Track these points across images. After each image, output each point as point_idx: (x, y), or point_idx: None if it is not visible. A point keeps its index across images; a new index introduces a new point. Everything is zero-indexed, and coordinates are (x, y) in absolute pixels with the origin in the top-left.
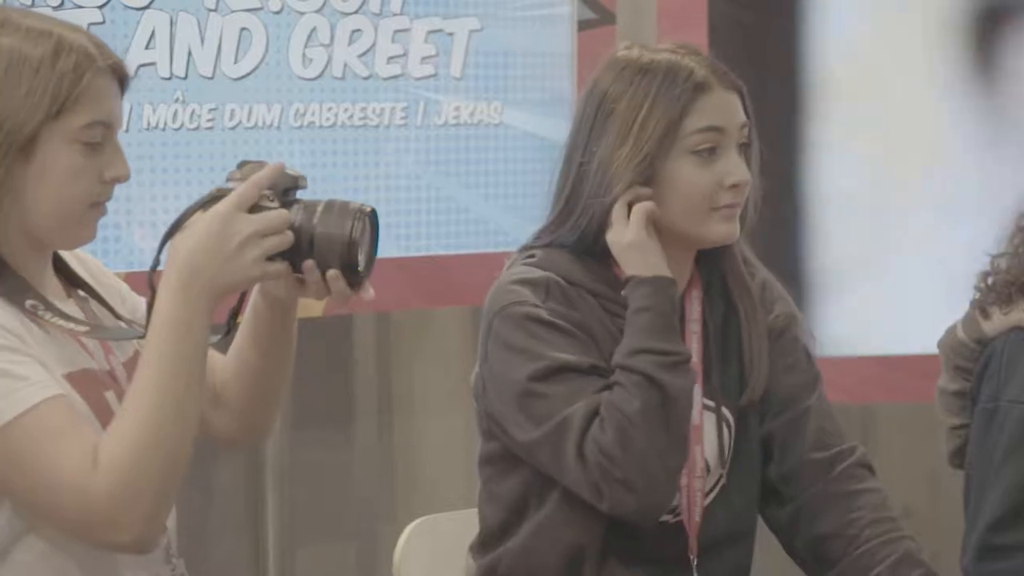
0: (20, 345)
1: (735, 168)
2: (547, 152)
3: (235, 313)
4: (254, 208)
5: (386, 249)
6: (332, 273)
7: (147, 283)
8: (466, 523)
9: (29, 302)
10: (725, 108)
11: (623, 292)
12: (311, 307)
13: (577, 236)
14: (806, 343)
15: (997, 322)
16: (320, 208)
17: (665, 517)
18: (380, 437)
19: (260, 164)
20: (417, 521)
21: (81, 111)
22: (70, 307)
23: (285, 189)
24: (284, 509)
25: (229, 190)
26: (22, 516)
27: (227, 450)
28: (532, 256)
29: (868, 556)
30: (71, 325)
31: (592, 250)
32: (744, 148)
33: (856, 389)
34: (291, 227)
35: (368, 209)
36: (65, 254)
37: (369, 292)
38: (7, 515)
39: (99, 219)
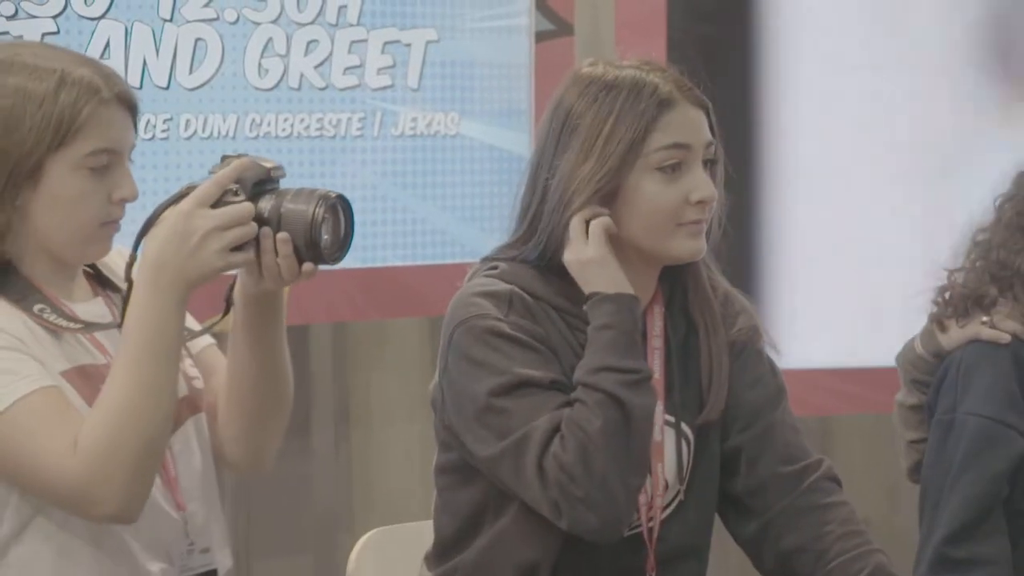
0: (19, 344)
1: (701, 184)
2: (504, 163)
3: (229, 291)
4: (217, 203)
5: (343, 260)
6: (282, 236)
7: (124, 276)
8: (421, 534)
9: (37, 306)
10: (691, 125)
11: (584, 307)
12: None
13: (539, 252)
14: (769, 356)
15: (954, 335)
16: (290, 194)
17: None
18: (337, 448)
19: (241, 158)
20: (372, 532)
21: (84, 139)
22: (97, 305)
23: (258, 180)
24: (240, 520)
25: (194, 187)
26: (29, 501)
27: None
28: (495, 268)
29: (839, 570)
30: (68, 324)
31: (553, 265)
32: (710, 164)
33: (814, 401)
34: (259, 216)
35: (334, 194)
36: None
37: (311, 268)
38: (16, 500)
39: (112, 235)
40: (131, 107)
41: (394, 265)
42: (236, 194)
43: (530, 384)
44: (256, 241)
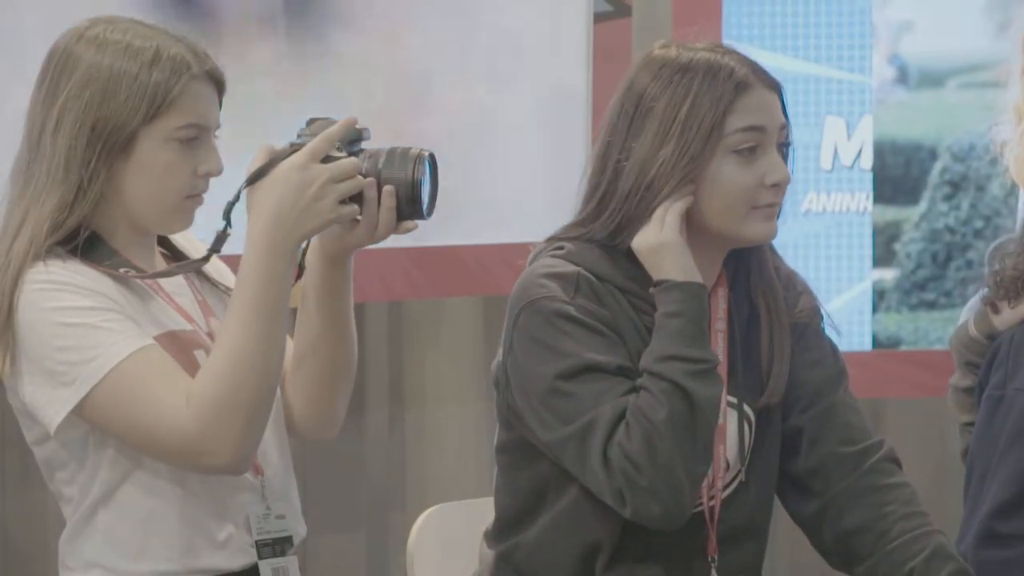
0: (114, 306)
1: (776, 167)
2: (558, 143)
3: (301, 256)
4: (325, 159)
5: (398, 239)
6: (388, 189)
7: (223, 215)
8: (478, 512)
9: (122, 269)
10: (766, 107)
11: (652, 291)
12: None
13: (608, 233)
14: (829, 337)
15: (1007, 316)
16: (384, 155)
17: None
18: (391, 427)
19: (328, 120)
20: (431, 509)
21: (175, 114)
22: (174, 278)
23: (350, 141)
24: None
25: (302, 144)
26: (126, 454)
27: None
28: (560, 248)
29: (900, 551)
30: (147, 275)
31: (620, 246)
32: (783, 147)
33: (865, 383)
34: (360, 173)
35: (427, 153)
36: None
37: (412, 225)
38: (112, 454)
39: (195, 208)
40: (219, 84)
41: (451, 244)
42: (339, 150)
43: (596, 369)
44: (359, 196)
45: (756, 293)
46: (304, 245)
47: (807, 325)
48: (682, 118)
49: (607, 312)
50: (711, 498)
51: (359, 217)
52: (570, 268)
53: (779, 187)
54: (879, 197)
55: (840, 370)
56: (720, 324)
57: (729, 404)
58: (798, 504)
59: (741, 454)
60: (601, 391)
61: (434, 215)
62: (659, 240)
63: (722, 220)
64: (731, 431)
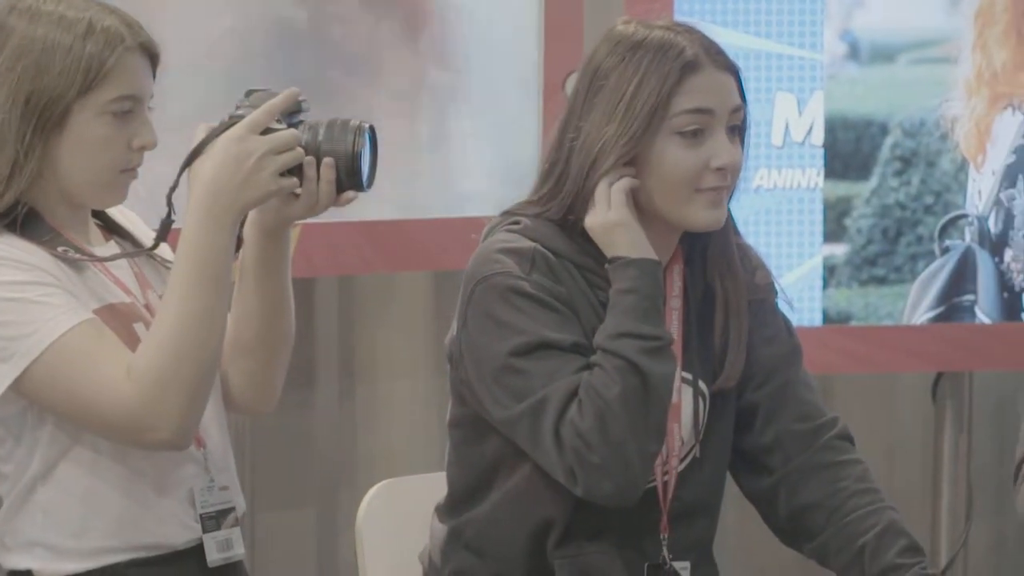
0: (52, 280)
1: (722, 150)
2: (509, 120)
3: (240, 228)
4: (265, 131)
5: (351, 212)
6: (328, 161)
7: (166, 201)
8: (429, 487)
9: (60, 248)
10: (716, 89)
11: (606, 267)
12: None
13: (563, 213)
14: (784, 313)
15: None
16: (323, 127)
17: None
18: (341, 402)
19: (268, 92)
20: (380, 484)
21: (110, 86)
22: (111, 248)
23: (290, 113)
24: (244, 474)
25: (241, 117)
26: (65, 431)
27: (235, 415)
28: (517, 223)
29: (853, 526)
30: (89, 258)
31: (577, 225)
32: (737, 131)
33: (815, 359)
34: (299, 145)
35: (367, 125)
36: None
37: (351, 196)
38: (50, 430)
39: (130, 183)
40: (153, 56)
41: (402, 219)
42: (279, 122)
43: (550, 346)
44: (299, 169)
45: (713, 274)
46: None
47: (763, 301)
48: (628, 97)
49: (562, 289)
50: (665, 474)
51: (299, 190)
52: (526, 243)
53: (724, 171)
54: (830, 173)
55: (795, 347)
56: (675, 301)
57: (684, 380)
58: (751, 480)
59: (695, 430)
60: (554, 368)
61: (393, 190)
62: (610, 219)
63: (665, 202)
64: (686, 408)
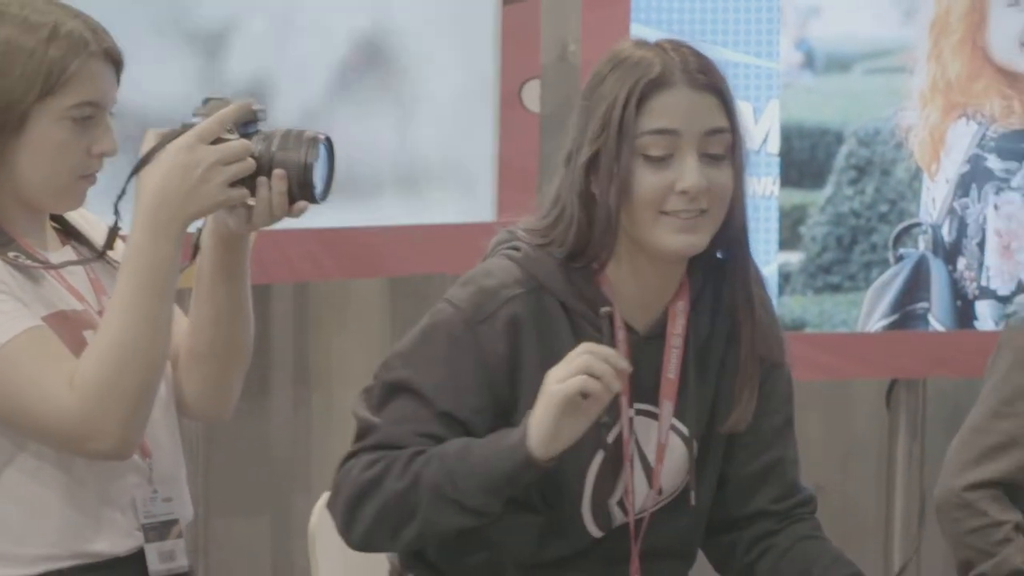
0: (2, 287)
1: (688, 173)
2: (467, 125)
3: (197, 236)
4: (216, 141)
5: (306, 220)
6: (279, 172)
7: (113, 210)
8: None
9: (11, 253)
10: (683, 109)
11: (601, 313)
12: None
13: (567, 253)
14: (789, 377)
15: None
16: (278, 137)
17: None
18: (296, 410)
19: (224, 101)
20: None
21: (70, 92)
22: (66, 253)
23: (245, 122)
24: (197, 479)
25: (192, 125)
26: (9, 438)
27: (189, 421)
28: (517, 250)
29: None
30: (41, 265)
31: (580, 260)
32: (722, 159)
33: None
34: (252, 155)
35: (322, 136)
36: None
37: (303, 206)
38: None
39: (87, 189)
40: (116, 62)
41: (358, 226)
42: (230, 132)
43: (427, 402)
44: (250, 179)
45: (736, 315)
46: (200, 225)
47: (778, 367)
48: (600, 116)
49: (503, 350)
50: (640, 513)
51: (251, 201)
52: (506, 290)
53: (689, 195)
54: (785, 181)
55: (788, 419)
56: (676, 340)
57: (674, 428)
58: (711, 535)
59: (678, 480)
60: (409, 417)
61: (347, 197)
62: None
63: (634, 225)
64: (673, 452)
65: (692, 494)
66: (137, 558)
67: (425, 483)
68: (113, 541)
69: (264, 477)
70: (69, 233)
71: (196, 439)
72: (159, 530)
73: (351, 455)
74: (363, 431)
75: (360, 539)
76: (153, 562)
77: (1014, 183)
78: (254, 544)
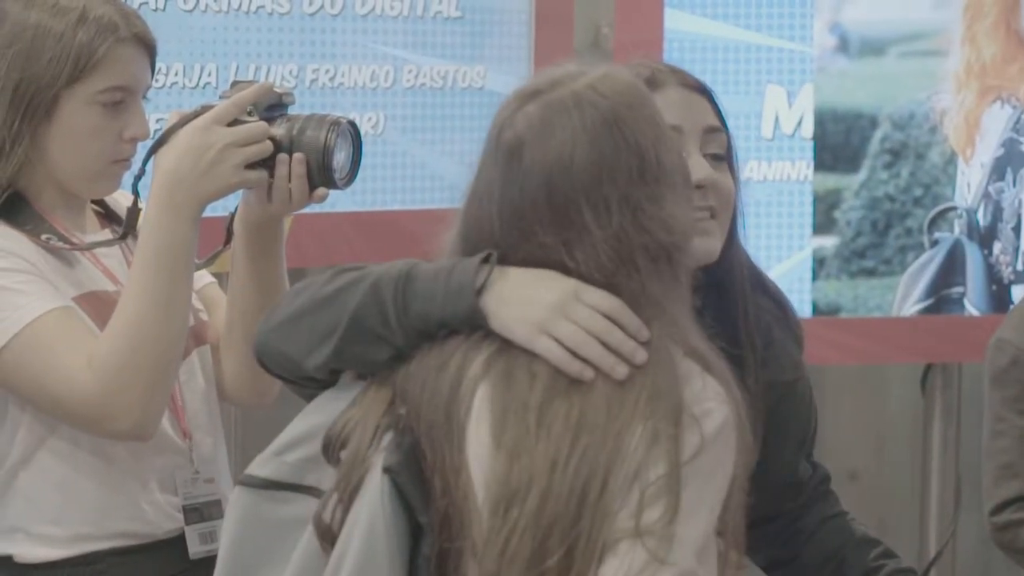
0: (30, 268)
1: (696, 167)
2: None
3: (230, 221)
4: (233, 123)
5: (341, 203)
6: (298, 156)
7: (132, 190)
8: None
9: (44, 236)
10: (680, 107)
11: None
12: None
13: None
14: (811, 393)
15: None
16: (300, 122)
17: None
18: None
19: (249, 83)
20: None
21: (100, 76)
22: (104, 236)
23: (270, 105)
24: (233, 463)
25: (212, 106)
26: (41, 420)
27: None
28: None
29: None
30: (69, 246)
31: None
32: (722, 159)
33: (806, 351)
34: (272, 138)
35: (345, 120)
36: None
37: (323, 193)
38: (28, 419)
39: (122, 173)
40: (148, 47)
41: (392, 209)
42: (250, 115)
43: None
44: (270, 162)
45: (736, 340)
46: (233, 211)
47: (794, 383)
48: None
49: None
50: None
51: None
52: None
53: (700, 189)
54: (819, 165)
55: (805, 438)
56: None
57: None
58: None
59: None
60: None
61: (382, 182)
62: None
63: None
64: None
65: None
66: (178, 540)
67: (350, 304)
68: (151, 521)
69: None
70: (109, 216)
71: (233, 422)
72: (200, 511)
73: None
74: None
75: (262, 337)
76: (193, 543)
77: None
78: None
